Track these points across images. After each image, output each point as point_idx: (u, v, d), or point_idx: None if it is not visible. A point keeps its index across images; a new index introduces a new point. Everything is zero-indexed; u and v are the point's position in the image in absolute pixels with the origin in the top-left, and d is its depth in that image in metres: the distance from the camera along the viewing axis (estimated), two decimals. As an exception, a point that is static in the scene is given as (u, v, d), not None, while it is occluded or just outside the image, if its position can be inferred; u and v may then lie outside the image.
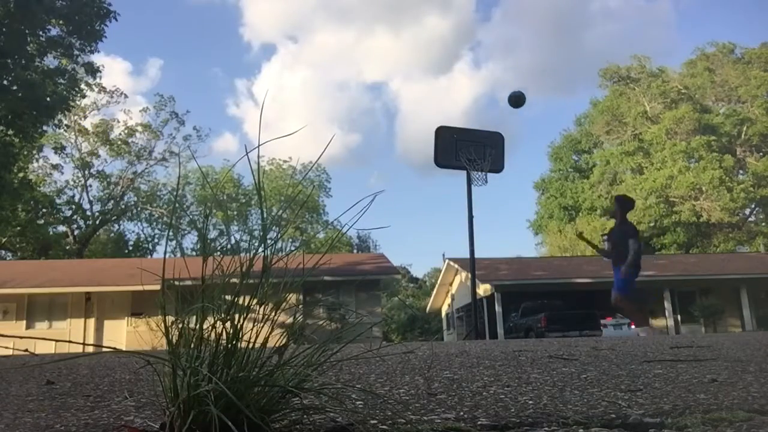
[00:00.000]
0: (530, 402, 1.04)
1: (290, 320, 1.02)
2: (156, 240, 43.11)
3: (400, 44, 75.70)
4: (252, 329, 0.84)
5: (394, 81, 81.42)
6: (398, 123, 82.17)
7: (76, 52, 19.60)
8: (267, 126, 70.23)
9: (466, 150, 11.86)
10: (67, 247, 38.02)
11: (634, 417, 0.90)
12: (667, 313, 24.89)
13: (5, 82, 17.43)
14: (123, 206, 41.73)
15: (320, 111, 76.34)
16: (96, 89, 32.02)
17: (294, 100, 75.96)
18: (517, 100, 11.38)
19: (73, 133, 38.27)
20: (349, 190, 59.85)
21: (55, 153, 32.50)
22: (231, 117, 73.57)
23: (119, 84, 61.12)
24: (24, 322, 21.67)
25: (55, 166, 38.64)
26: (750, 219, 42.33)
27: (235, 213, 44.08)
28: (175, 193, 41.06)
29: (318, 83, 77.44)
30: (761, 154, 40.89)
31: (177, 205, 36.76)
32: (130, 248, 42.90)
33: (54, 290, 21.86)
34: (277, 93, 74.16)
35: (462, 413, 0.95)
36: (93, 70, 21.30)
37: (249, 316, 0.86)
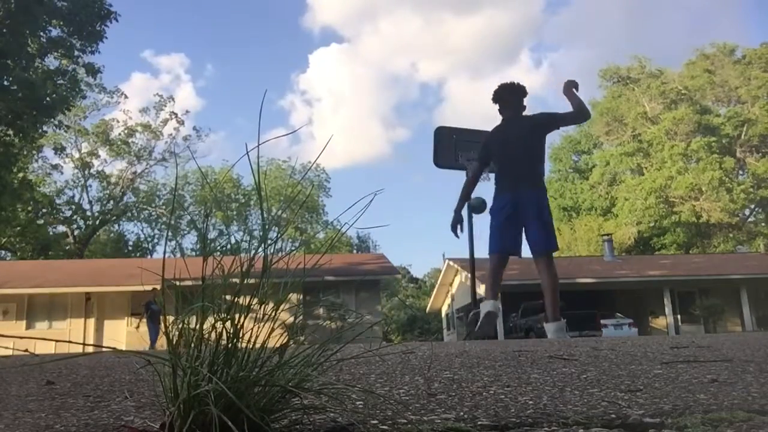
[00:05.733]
0: (530, 402, 1.04)
1: (290, 320, 1.02)
2: (156, 240, 43.15)
3: (459, 38, 74.82)
4: (252, 329, 0.84)
5: (449, 74, 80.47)
6: (447, 119, 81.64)
7: (76, 53, 19.63)
8: (320, 120, 69.61)
9: (466, 150, 11.83)
10: (67, 247, 38.02)
11: (634, 417, 0.90)
12: (667, 313, 24.90)
13: (5, 82, 17.43)
14: (123, 206, 41.74)
15: (371, 104, 76.06)
16: (96, 89, 32.06)
17: (346, 93, 75.90)
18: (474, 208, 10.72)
19: (73, 134, 38.27)
20: (390, 185, 58.60)
21: (55, 153, 32.50)
22: (279, 110, 71.96)
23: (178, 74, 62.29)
24: (24, 322, 21.67)
25: (54, 166, 38.65)
26: (750, 219, 42.32)
27: (235, 213, 44.11)
28: (173, 194, 41.04)
29: (373, 74, 77.32)
30: (761, 154, 40.87)
31: (176, 204, 36.76)
32: (130, 248, 42.92)
33: (54, 290, 21.84)
34: (330, 84, 74.16)
35: (462, 413, 0.95)
36: (93, 71, 21.32)
37: (249, 315, 0.87)
